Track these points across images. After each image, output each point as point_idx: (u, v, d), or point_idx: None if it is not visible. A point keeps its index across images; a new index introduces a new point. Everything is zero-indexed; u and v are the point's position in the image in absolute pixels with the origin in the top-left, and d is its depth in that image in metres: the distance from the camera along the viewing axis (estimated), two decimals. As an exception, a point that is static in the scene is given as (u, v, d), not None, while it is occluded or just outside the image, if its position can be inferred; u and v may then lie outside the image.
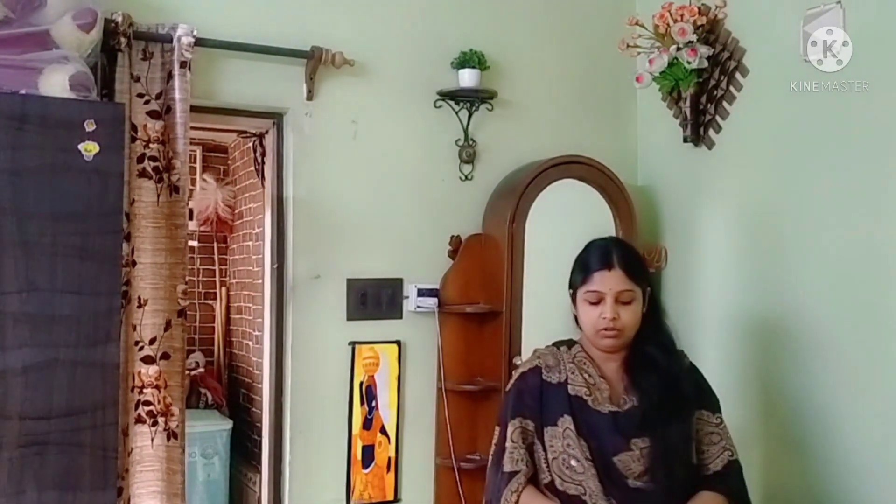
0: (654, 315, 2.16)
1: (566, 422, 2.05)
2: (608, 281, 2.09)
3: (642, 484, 1.98)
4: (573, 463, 2.02)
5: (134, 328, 2.45)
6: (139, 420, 2.46)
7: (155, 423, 2.47)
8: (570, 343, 2.21)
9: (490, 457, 2.16)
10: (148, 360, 2.47)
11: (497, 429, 2.16)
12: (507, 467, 2.08)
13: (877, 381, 2.36)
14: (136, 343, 2.45)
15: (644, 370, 2.08)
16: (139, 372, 2.46)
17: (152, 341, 2.47)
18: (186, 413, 2.58)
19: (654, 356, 2.09)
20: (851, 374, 2.43)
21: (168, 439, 2.49)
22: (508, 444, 2.10)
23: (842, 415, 2.44)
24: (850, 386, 2.42)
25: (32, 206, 2.12)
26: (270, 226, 2.87)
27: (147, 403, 2.46)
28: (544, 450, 2.07)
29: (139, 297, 2.46)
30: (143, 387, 2.46)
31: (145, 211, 2.46)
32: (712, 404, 2.14)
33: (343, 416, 2.84)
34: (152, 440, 2.47)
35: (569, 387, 2.09)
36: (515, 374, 2.23)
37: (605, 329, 2.08)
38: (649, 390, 2.05)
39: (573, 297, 2.19)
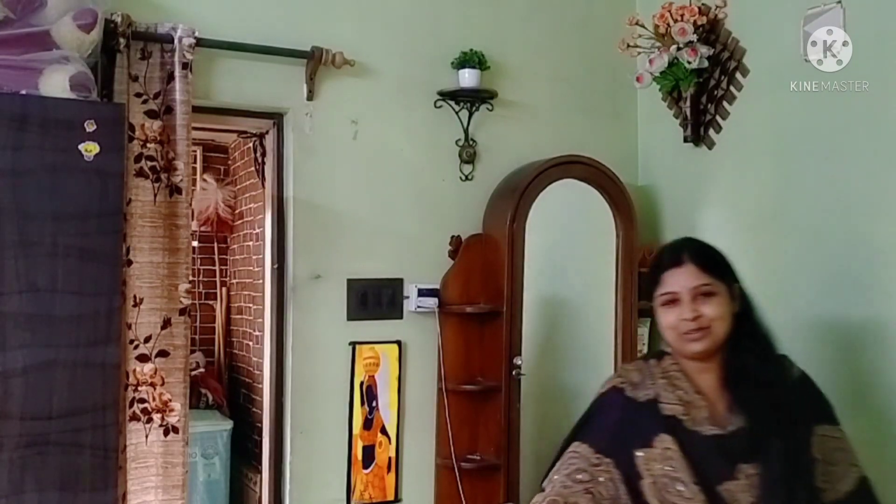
0: (748, 317, 1.86)
1: (665, 441, 1.76)
2: (680, 278, 1.82)
3: None
4: (680, 488, 1.73)
5: (129, 327, 2.45)
6: (133, 418, 2.47)
7: (150, 421, 2.47)
8: (660, 354, 1.92)
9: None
10: (143, 359, 2.47)
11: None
12: (542, 483, 1.90)
13: (881, 374, 2.36)
14: (131, 342, 2.45)
15: (745, 385, 1.79)
16: (134, 370, 2.46)
17: (147, 339, 2.47)
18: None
19: (753, 367, 1.80)
20: (857, 369, 2.42)
21: (166, 434, 2.49)
22: (554, 464, 1.89)
23: (852, 410, 2.44)
24: (853, 384, 2.42)
25: (32, 207, 2.13)
26: (271, 226, 2.87)
27: (142, 401, 2.47)
28: (637, 475, 1.78)
29: (135, 296, 2.45)
30: (137, 385, 2.46)
31: (142, 210, 2.46)
32: (831, 416, 1.84)
33: (343, 416, 2.84)
34: (146, 437, 2.47)
35: (661, 405, 1.81)
36: (595, 395, 1.95)
37: (687, 332, 1.80)
38: (755, 409, 1.76)
39: (653, 308, 1.91)
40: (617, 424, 1.85)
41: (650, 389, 1.85)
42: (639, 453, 1.79)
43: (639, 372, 1.90)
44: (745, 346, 1.83)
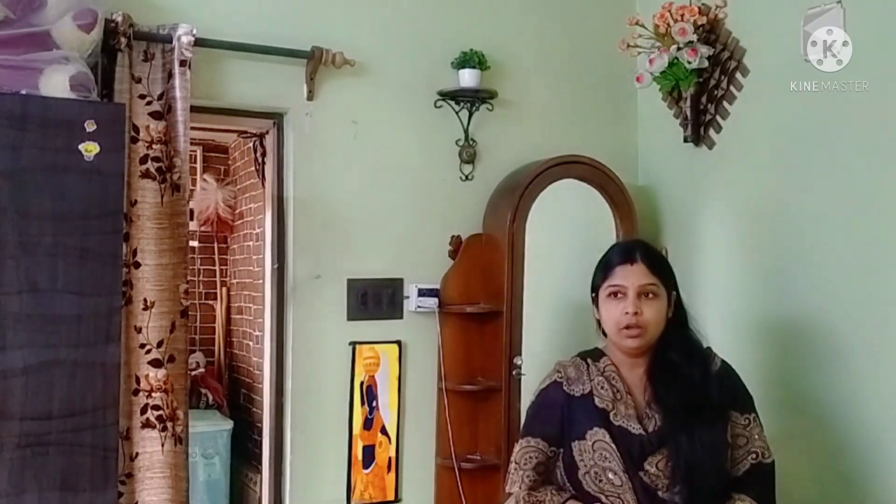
0: (679, 320, 2.09)
1: (597, 434, 2.00)
2: (630, 275, 2.02)
3: (671, 496, 1.93)
4: (611, 476, 1.97)
5: (139, 330, 2.42)
6: (148, 425, 2.43)
7: (165, 429, 2.44)
8: (596, 354, 2.12)
9: None
10: (156, 364, 2.44)
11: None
12: (507, 487, 2.12)
13: (879, 376, 2.36)
14: (143, 346, 2.43)
15: (666, 380, 2.01)
16: (146, 375, 2.42)
17: (160, 344, 2.44)
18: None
19: (677, 364, 2.01)
20: (853, 371, 2.43)
21: (175, 445, 2.46)
22: (512, 464, 2.11)
23: (844, 411, 2.44)
24: (854, 382, 2.42)
25: (32, 207, 2.12)
26: (271, 226, 2.87)
27: (156, 408, 2.43)
28: (574, 465, 2.02)
29: (145, 300, 2.43)
30: (151, 391, 2.43)
31: (149, 212, 2.44)
32: (742, 404, 2.06)
33: (344, 416, 2.84)
34: (162, 445, 2.44)
35: (595, 399, 2.03)
36: (536, 390, 2.19)
37: (628, 327, 2.00)
38: (672, 403, 1.98)
39: (595, 300, 2.12)
40: (560, 417, 2.07)
41: (586, 385, 2.06)
42: (575, 444, 2.03)
43: (575, 368, 2.11)
44: (673, 346, 2.04)
